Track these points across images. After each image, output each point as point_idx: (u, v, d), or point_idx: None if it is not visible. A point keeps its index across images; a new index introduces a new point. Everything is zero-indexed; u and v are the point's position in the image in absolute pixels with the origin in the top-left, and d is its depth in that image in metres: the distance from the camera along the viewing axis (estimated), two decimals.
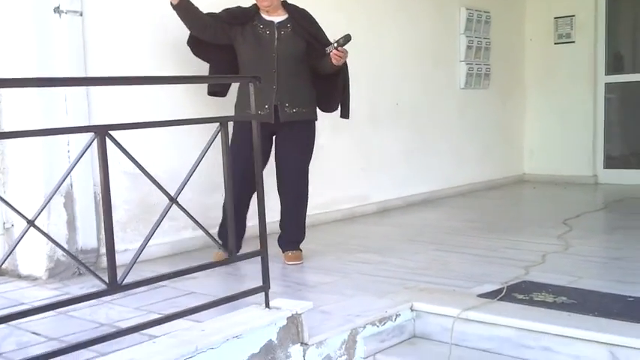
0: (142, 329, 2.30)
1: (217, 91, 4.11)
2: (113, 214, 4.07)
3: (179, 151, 4.23)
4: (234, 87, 4.15)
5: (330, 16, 5.41)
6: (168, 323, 2.40)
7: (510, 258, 3.89)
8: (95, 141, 2.28)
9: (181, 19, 3.84)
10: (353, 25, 5.62)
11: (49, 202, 2.28)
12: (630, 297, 3.01)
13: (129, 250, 3.93)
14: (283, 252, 4.04)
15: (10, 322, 2.79)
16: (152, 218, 4.22)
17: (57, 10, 3.79)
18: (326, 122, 5.38)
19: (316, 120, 4.10)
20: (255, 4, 4.01)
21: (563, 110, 7.32)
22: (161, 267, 3.76)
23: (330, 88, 4.05)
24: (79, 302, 2.26)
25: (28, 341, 2.67)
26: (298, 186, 4.04)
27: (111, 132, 2.31)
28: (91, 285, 3.37)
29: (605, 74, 7.20)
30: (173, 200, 2.44)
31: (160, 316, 2.46)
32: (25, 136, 2.48)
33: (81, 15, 3.90)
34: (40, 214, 2.15)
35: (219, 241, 2.71)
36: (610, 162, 7.23)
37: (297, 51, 3.92)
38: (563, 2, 7.29)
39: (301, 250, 4.08)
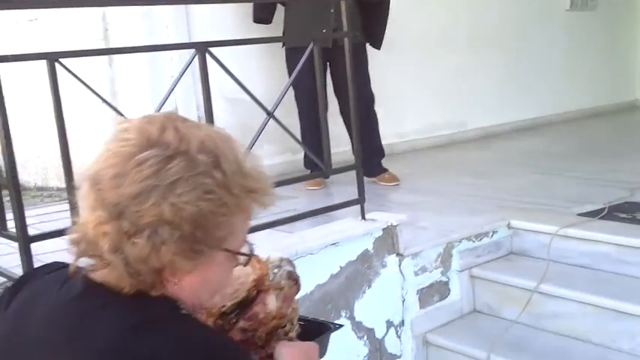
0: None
1: (263, 18, 4.11)
2: None
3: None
4: (278, 15, 4.13)
5: None
6: (268, 234, 2.51)
7: (615, 180, 3.77)
8: (196, 59, 2.39)
9: None
10: None
11: (161, 108, 2.41)
12: None
13: None
14: (371, 176, 4.04)
15: None
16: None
17: None
18: (423, 46, 5.33)
19: (365, 43, 4.06)
20: None
21: None
22: None
23: (370, 18, 4.00)
24: None
25: None
26: (365, 107, 4.02)
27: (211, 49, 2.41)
28: None
29: None
30: (270, 114, 2.52)
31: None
32: (131, 52, 2.63)
33: None
34: None
35: (319, 161, 2.79)
36: None
37: None
38: None
39: (388, 170, 4.12)
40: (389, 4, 4.05)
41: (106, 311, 0.95)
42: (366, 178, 3.04)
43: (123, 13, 4.00)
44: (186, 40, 4.04)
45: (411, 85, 5.29)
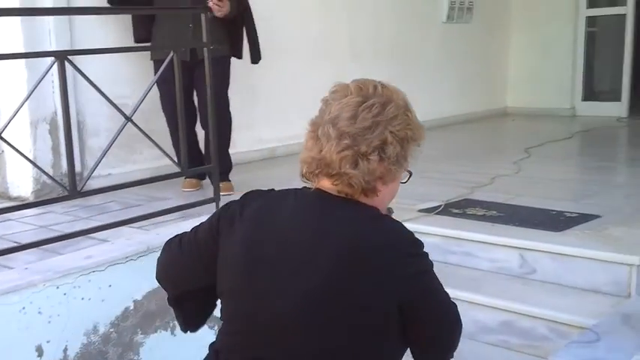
0: (99, 231, 2.64)
1: (142, 39, 4.23)
2: (95, 141, 4.44)
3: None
4: None
5: None
6: (130, 231, 2.72)
7: (462, 180, 4.16)
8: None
9: None
10: None
11: (18, 112, 2.58)
12: (554, 211, 3.30)
13: (112, 174, 4.26)
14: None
15: None
16: (133, 145, 4.54)
17: None
18: (306, 56, 5.63)
19: (230, 56, 4.25)
20: None
21: (545, 44, 7.44)
22: (140, 190, 4.05)
23: (233, 32, 4.20)
24: (46, 204, 2.62)
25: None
26: (221, 119, 4.16)
27: (71, 57, 2.61)
28: (71, 205, 3.69)
29: (587, 7, 7.30)
30: (128, 119, 2.74)
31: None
32: None
33: None
34: (7, 125, 2.47)
35: (177, 163, 3.06)
36: (588, 94, 7.41)
37: None
38: None
39: (230, 181, 4.27)
40: (250, 18, 4.26)
41: (344, 209, 1.44)
42: None
43: (5, 19, 4.07)
44: (68, 43, 4.15)
45: (292, 92, 5.58)
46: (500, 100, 7.80)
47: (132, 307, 2.58)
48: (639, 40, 7.28)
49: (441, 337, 1.55)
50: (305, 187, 1.50)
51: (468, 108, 7.21)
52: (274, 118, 5.37)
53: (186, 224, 2.89)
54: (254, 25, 4.31)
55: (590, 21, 7.36)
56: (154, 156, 4.58)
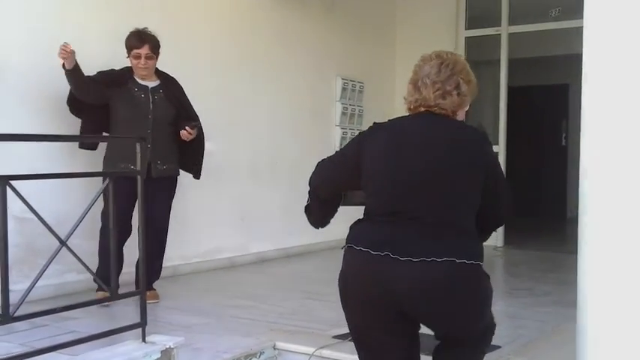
0: (28, 357, 2.59)
1: (89, 145, 4.50)
2: None
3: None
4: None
5: (217, 75, 5.91)
6: (52, 357, 2.68)
7: None
8: None
9: (70, 82, 4.22)
10: (237, 87, 6.14)
11: None
12: None
13: (13, 290, 4.10)
14: None
15: None
16: (37, 261, 4.43)
17: None
18: (208, 175, 5.78)
19: (179, 175, 4.62)
20: (128, 67, 4.46)
21: None
22: (45, 307, 3.94)
23: (189, 151, 4.60)
24: None
25: None
26: (161, 234, 4.51)
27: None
28: None
29: None
30: (63, 243, 2.76)
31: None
32: None
33: None
34: None
35: (102, 284, 3.07)
36: None
37: (169, 115, 4.43)
38: None
39: (155, 289, 4.54)
40: (202, 137, 4.62)
41: (445, 119, 2.35)
42: None
43: None
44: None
45: (196, 211, 5.70)
46: None
47: None
48: (510, 176, 8.00)
49: (502, 204, 2.40)
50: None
51: None
52: (179, 236, 5.43)
53: (111, 349, 2.89)
54: (204, 143, 4.62)
55: None
56: (57, 272, 4.51)
